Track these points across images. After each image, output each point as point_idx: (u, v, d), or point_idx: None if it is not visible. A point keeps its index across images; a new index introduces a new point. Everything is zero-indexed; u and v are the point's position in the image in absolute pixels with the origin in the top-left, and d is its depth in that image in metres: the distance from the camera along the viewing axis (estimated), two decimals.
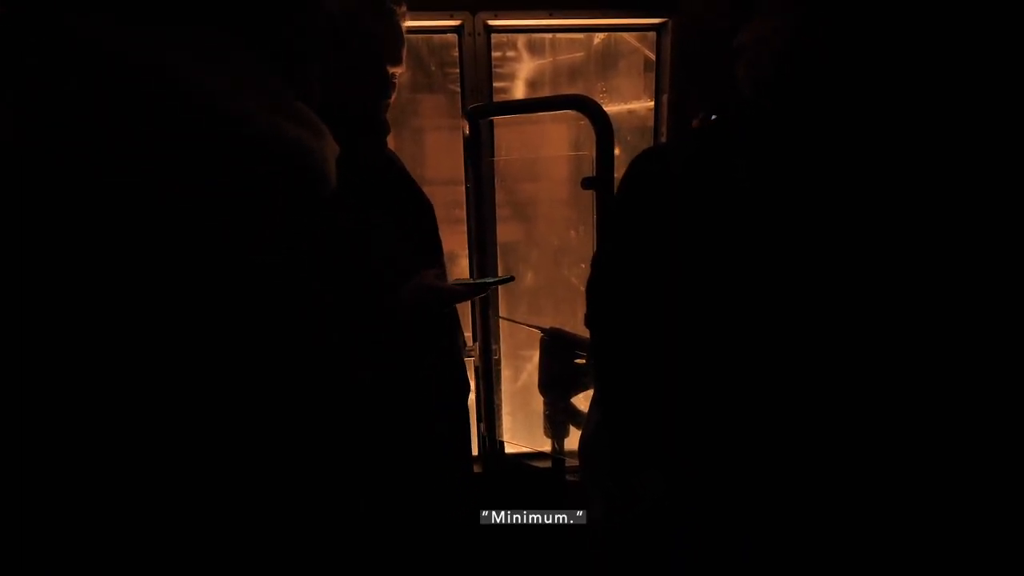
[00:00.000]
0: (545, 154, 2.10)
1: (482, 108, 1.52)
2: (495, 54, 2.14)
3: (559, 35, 2.02)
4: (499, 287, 1.74)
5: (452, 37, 1.79)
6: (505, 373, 1.94)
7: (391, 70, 1.08)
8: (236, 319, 0.33)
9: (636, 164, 0.50)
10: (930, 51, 0.36)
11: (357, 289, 0.91)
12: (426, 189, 1.21)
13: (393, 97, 1.12)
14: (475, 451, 1.90)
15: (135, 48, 0.32)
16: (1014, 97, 0.34)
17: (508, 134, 2.19)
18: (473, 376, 1.74)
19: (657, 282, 0.42)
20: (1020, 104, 0.33)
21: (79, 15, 0.32)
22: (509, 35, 1.96)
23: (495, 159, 1.81)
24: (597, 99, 1.31)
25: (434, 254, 1.24)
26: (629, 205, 0.47)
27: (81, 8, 0.32)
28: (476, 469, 1.90)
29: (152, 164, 0.31)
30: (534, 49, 2.18)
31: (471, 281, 1.12)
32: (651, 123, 2.00)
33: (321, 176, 0.41)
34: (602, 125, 1.25)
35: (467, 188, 1.57)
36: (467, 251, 1.75)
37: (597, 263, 0.51)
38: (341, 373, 0.44)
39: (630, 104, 2.21)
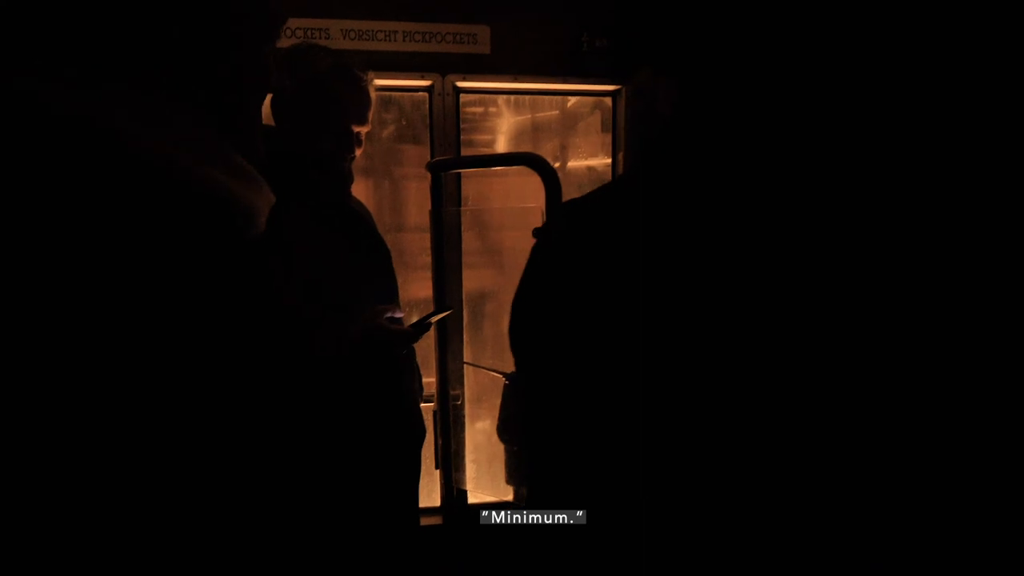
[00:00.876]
0: (509, 204, 2.19)
1: (442, 162, 1.61)
2: (478, 110, 2.28)
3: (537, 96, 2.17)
4: (450, 327, 1.77)
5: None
6: (473, 421, 1.94)
7: (356, 128, 1.18)
8: (161, 356, 0.35)
9: (552, 217, 0.54)
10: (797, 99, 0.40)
11: (295, 324, 0.94)
12: (403, 235, 1.26)
13: (359, 151, 1.21)
14: (438, 501, 1.86)
15: (70, 104, 0.35)
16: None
17: (480, 185, 2.29)
18: (432, 422, 1.73)
19: (584, 309, 0.44)
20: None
21: (15, 73, 0.35)
22: (492, 94, 2.10)
23: (461, 208, 1.89)
24: (564, 155, 1.41)
25: (388, 294, 1.28)
26: (552, 249, 0.50)
27: (18, 68, 0.36)
28: (438, 520, 1.86)
29: (76, 207, 0.34)
30: (515, 107, 2.34)
31: (414, 322, 1.15)
32: (608, 177, 2.13)
33: (246, 220, 0.43)
34: (550, 181, 1.34)
35: (432, 235, 1.63)
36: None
37: (522, 298, 0.52)
38: (270, 404, 0.44)
39: (589, 161, 2.36)
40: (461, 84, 1.87)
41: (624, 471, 0.39)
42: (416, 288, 2.12)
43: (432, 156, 1.87)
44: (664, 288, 0.38)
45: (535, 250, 0.48)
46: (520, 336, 0.49)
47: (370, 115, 1.21)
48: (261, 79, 0.48)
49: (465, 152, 1.95)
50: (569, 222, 0.46)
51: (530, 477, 0.50)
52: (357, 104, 1.17)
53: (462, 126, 1.92)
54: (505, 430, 1.58)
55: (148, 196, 0.37)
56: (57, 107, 0.35)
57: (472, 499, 1.89)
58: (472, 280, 2.04)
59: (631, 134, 1.85)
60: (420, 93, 1.92)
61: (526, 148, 2.41)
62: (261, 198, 0.47)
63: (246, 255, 0.43)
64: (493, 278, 2.26)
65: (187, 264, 0.38)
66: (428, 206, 1.67)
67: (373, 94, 1.21)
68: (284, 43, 1.25)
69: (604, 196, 0.46)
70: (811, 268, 0.38)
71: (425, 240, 1.69)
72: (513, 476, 1.65)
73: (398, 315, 1.15)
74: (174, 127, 0.41)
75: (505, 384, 1.60)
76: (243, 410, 0.41)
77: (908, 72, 0.40)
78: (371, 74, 1.22)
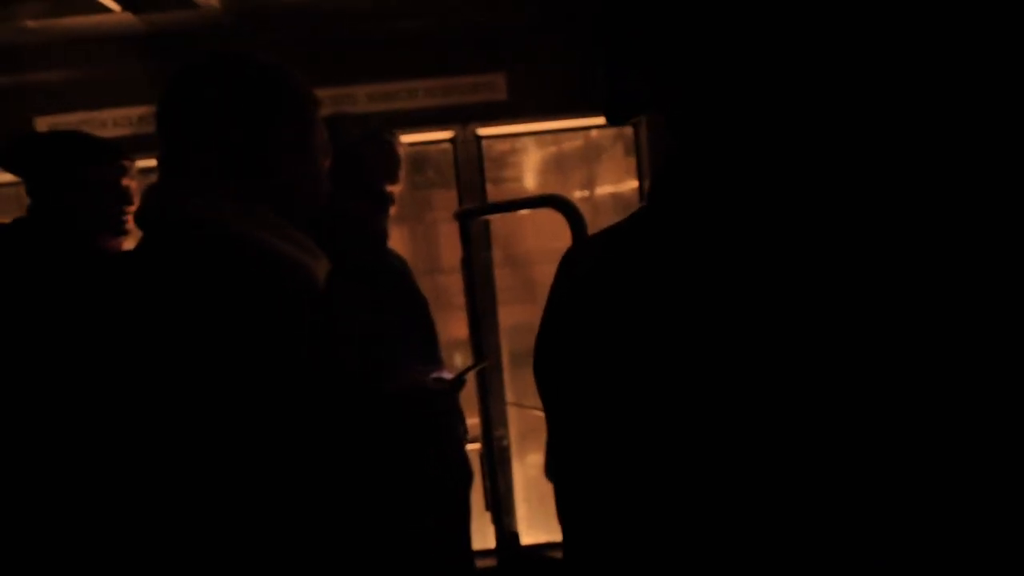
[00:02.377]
0: (539, 244, 2.21)
1: (469, 211, 1.67)
2: (504, 147, 2.35)
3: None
4: (489, 371, 1.79)
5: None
6: (522, 459, 1.93)
7: (389, 188, 1.25)
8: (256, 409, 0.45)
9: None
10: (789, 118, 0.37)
11: (348, 380, 0.99)
12: (438, 277, 1.32)
13: (393, 209, 1.28)
14: (491, 544, 1.85)
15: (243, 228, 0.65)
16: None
17: (509, 222, 2.34)
18: (479, 464, 1.74)
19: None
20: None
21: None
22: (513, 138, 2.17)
23: (492, 253, 1.93)
24: (592, 184, 1.42)
25: (429, 346, 1.32)
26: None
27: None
28: (491, 563, 1.84)
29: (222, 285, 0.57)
30: (539, 142, 2.40)
31: (448, 378, 1.18)
32: (635, 201, 2.13)
33: (314, 285, 0.65)
34: (574, 220, 1.35)
35: (464, 282, 1.67)
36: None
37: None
38: (330, 469, 0.50)
39: (617, 187, 2.36)
40: (482, 132, 1.94)
41: (652, 523, 0.37)
42: (454, 328, 2.16)
43: (459, 201, 1.93)
44: (667, 340, 0.36)
45: (551, 292, 0.46)
46: (540, 378, 0.47)
47: (401, 174, 1.29)
48: (312, 168, 0.72)
49: (493, 189, 2.00)
50: (568, 268, 0.45)
51: (561, 525, 0.47)
52: (388, 166, 1.25)
53: (489, 164, 1.98)
54: (550, 470, 1.57)
55: (282, 284, 0.61)
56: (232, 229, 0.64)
57: (526, 539, 1.87)
58: (509, 316, 2.06)
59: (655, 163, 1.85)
60: (444, 144, 1.99)
61: (553, 180, 2.45)
62: (320, 265, 0.69)
63: (323, 312, 0.65)
64: (529, 313, 2.28)
65: (294, 325, 0.59)
66: (458, 248, 1.72)
67: (402, 154, 1.28)
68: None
69: (606, 241, 0.44)
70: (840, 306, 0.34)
71: (460, 281, 1.74)
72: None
73: (445, 375, 1.18)
74: (271, 222, 0.66)
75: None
76: (315, 462, 0.49)
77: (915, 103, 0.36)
78: (399, 135, 1.29)
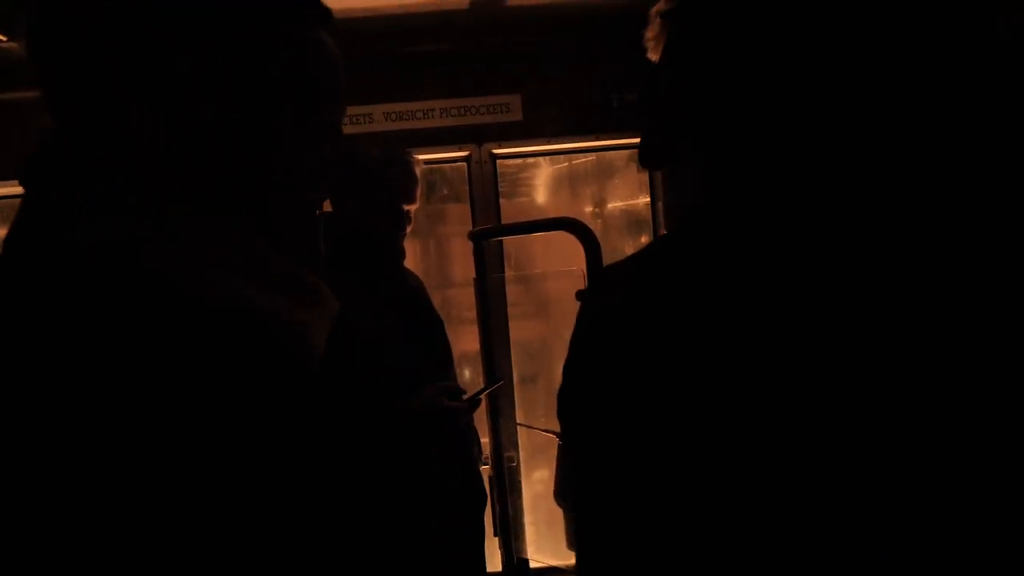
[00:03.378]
0: (551, 267, 2.22)
1: (484, 231, 1.67)
2: (517, 162, 2.37)
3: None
4: (500, 391, 1.78)
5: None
6: (531, 483, 1.91)
7: (406, 207, 1.26)
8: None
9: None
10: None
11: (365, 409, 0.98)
12: (449, 291, 1.32)
13: (409, 228, 1.29)
14: (498, 567, 1.82)
15: (116, 241, 0.34)
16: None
17: (522, 238, 2.35)
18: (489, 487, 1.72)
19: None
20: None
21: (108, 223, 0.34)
22: (527, 158, 2.18)
23: (505, 275, 1.93)
24: (603, 201, 1.42)
25: (444, 366, 1.32)
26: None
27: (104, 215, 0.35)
28: None
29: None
30: (552, 158, 2.43)
31: (465, 398, 1.18)
32: (647, 217, 2.14)
33: (298, 341, 0.41)
34: (589, 243, 1.36)
35: (476, 302, 1.67)
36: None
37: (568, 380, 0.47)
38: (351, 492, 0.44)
39: (628, 202, 2.38)
40: (497, 151, 1.95)
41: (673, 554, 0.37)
42: (465, 342, 2.16)
43: (473, 220, 1.94)
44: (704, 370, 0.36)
45: (578, 320, 0.45)
46: (569, 405, 0.46)
47: (418, 193, 1.30)
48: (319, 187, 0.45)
49: (506, 203, 2.01)
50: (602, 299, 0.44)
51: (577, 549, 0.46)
52: (406, 186, 1.27)
53: (503, 180, 1.99)
54: (561, 494, 1.55)
55: (197, 337, 0.35)
56: (101, 246, 0.34)
57: (534, 564, 1.84)
58: (519, 332, 2.06)
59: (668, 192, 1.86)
60: (459, 163, 2.01)
61: (565, 196, 2.46)
62: (318, 313, 0.43)
63: (299, 377, 0.41)
64: (540, 331, 2.27)
65: (238, 396, 0.36)
66: (472, 261, 1.72)
67: (420, 174, 1.30)
68: None
69: (635, 271, 0.44)
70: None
71: (471, 294, 1.74)
72: (574, 541, 1.60)
73: (453, 388, 1.18)
74: (234, 254, 0.39)
75: (559, 445, 1.58)
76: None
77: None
78: (416, 156, 1.31)
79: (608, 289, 0.43)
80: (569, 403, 0.43)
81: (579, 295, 1.25)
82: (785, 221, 0.36)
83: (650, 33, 0.44)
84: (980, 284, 0.33)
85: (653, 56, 0.44)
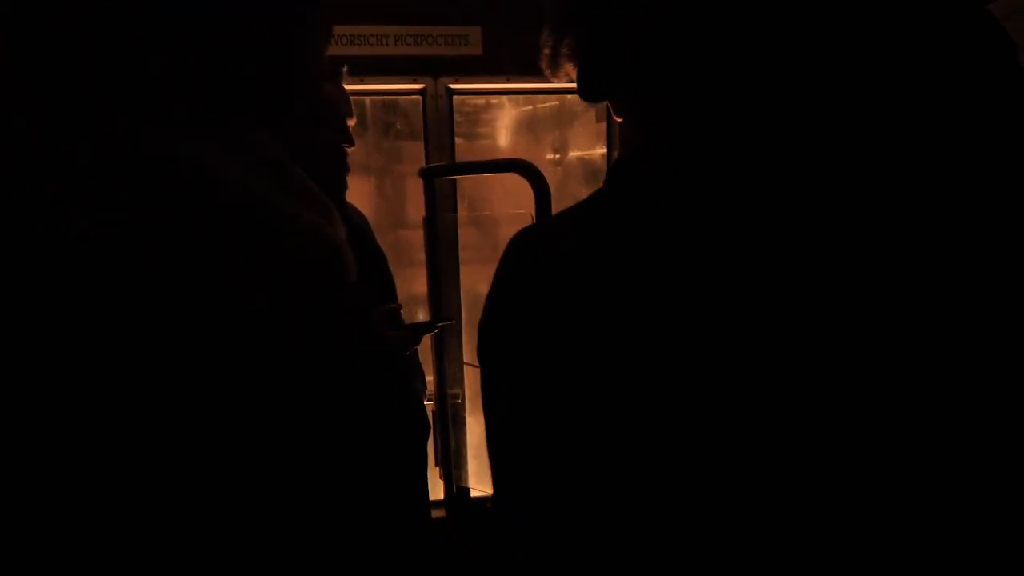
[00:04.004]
0: (504, 210, 2.21)
1: (435, 169, 1.64)
2: (479, 102, 2.29)
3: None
4: (447, 330, 1.81)
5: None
6: (476, 419, 1.98)
7: (349, 121, 1.22)
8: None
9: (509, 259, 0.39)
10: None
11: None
12: (403, 231, 1.30)
13: (351, 149, 1.25)
14: (440, 497, 1.90)
15: (184, 154, 0.35)
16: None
17: (477, 181, 2.31)
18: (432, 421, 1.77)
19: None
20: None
21: (129, 124, 0.35)
22: (485, 95, 2.11)
23: (457, 215, 1.91)
24: (564, 148, 1.41)
25: (389, 295, 1.32)
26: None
27: (129, 117, 0.36)
28: (441, 514, 1.90)
29: (212, 264, 0.35)
30: (515, 100, 2.36)
31: (416, 323, 1.20)
32: (604, 168, 2.14)
33: (348, 265, 0.44)
34: (539, 187, 1.36)
35: (425, 242, 1.66)
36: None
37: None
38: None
39: (587, 152, 2.37)
40: (454, 86, 1.88)
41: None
42: (416, 284, 2.15)
43: (427, 158, 1.89)
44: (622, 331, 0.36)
45: (501, 265, 0.45)
46: (489, 351, 0.45)
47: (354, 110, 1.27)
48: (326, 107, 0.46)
49: (465, 144, 1.97)
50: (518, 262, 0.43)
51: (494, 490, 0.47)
52: (346, 98, 1.23)
53: (461, 120, 1.94)
54: None
55: (280, 246, 0.37)
56: (168, 157, 0.35)
57: (475, 493, 1.94)
58: (470, 276, 2.07)
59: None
60: (414, 96, 1.93)
61: (526, 141, 2.42)
62: (341, 230, 0.46)
63: (353, 294, 0.43)
64: (491, 275, 2.28)
65: (308, 312, 0.38)
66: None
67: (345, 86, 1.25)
68: None
69: (566, 226, 0.43)
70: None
71: (423, 237, 1.72)
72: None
73: (396, 307, 1.20)
74: (271, 165, 0.41)
75: None
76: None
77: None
78: (346, 67, 1.26)
79: (536, 241, 0.41)
80: (487, 349, 0.42)
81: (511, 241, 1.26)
82: (715, 183, 0.35)
83: None
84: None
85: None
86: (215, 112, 0.41)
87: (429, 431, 1.42)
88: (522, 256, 0.42)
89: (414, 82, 1.85)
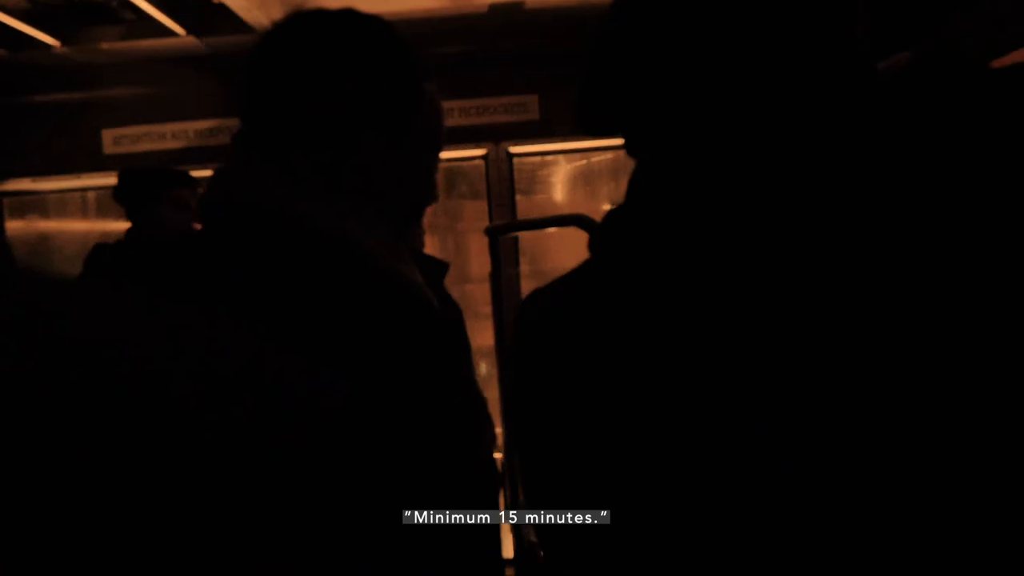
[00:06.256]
0: (563, 263, 2.26)
1: (499, 227, 1.73)
2: (535, 160, 2.43)
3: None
4: None
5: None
6: None
7: None
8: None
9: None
10: None
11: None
12: (467, 286, 1.37)
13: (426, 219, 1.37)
14: (508, 553, 1.87)
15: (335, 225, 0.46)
16: None
17: (537, 235, 2.40)
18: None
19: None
20: None
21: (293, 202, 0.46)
22: (543, 156, 2.23)
23: (518, 268, 1.99)
24: (620, 197, 1.47)
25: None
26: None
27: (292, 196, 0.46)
28: (510, 574, 1.87)
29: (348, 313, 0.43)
30: (570, 157, 2.47)
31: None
32: None
33: (436, 310, 0.52)
34: None
35: (492, 296, 1.73)
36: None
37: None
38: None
39: None
40: (514, 150, 2.01)
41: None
42: (481, 337, 2.22)
43: (489, 216, 2.00)
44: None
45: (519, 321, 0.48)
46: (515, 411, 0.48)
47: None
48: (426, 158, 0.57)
49: (524, 201, 2.07)
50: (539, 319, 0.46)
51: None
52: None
53: (520, 178, 2.05)
54: None
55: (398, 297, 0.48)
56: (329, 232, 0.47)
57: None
58: None
59: None
60: (477, 161, 2.07)
61: (582, 193, 2.51)
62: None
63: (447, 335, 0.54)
64: None
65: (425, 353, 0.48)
66: (488, 257, 1.78)
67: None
68: None
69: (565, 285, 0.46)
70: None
71: (487, 289, 1.80)
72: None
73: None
74: (373, 226, 0.50)
75: None
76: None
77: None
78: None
79: (549, 291, 0.45)
80: (518, 408, 0.44)
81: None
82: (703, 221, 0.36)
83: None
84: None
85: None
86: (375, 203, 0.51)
87: (500, 482, 1.43)
88: (539, 302, 0.47)
89: (477, 148, 2.00)
